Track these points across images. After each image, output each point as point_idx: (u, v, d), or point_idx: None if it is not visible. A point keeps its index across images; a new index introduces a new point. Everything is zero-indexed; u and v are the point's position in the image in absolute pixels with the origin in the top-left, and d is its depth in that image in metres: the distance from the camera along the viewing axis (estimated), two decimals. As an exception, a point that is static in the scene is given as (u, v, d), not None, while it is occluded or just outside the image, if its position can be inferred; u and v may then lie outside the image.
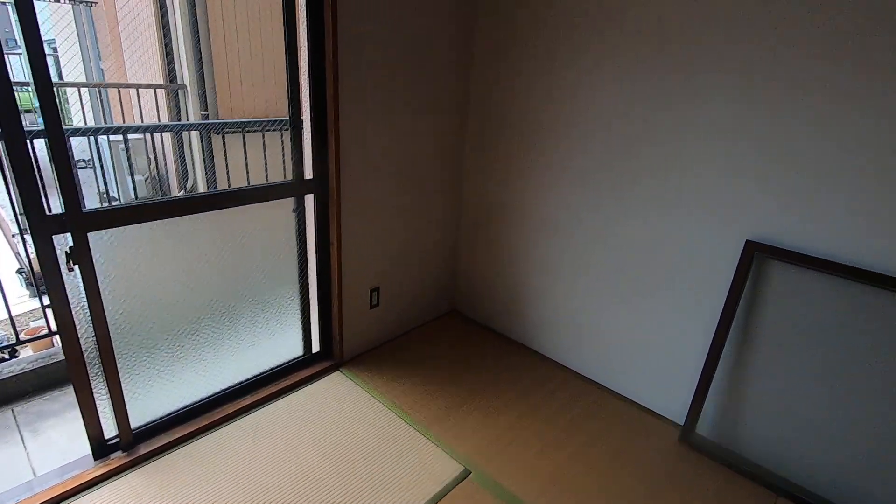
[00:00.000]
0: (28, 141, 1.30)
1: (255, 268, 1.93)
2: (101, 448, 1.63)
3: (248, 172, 3.17)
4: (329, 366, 2.18)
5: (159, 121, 4.03)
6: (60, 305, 1.41)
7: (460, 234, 2.60)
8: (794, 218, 1.55)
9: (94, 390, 1.55)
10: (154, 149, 3.79)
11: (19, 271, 3.92)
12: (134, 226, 1.51)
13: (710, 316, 1.78)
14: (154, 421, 1.74)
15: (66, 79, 6.13)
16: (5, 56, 1.16)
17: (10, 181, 2.05)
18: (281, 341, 2.10)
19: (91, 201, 3.88)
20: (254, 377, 2.00)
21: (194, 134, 3.85)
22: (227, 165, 3.33)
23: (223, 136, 3.31)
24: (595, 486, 1.67)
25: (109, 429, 1.64)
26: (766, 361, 1.69)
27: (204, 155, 3.77)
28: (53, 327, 1.53)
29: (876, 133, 1.37)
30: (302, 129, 1.83)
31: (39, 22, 1.20)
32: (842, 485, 1.60)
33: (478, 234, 2.51)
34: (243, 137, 3.16)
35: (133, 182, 3.67)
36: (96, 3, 5.18)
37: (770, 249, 1.59)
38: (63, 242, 1.38)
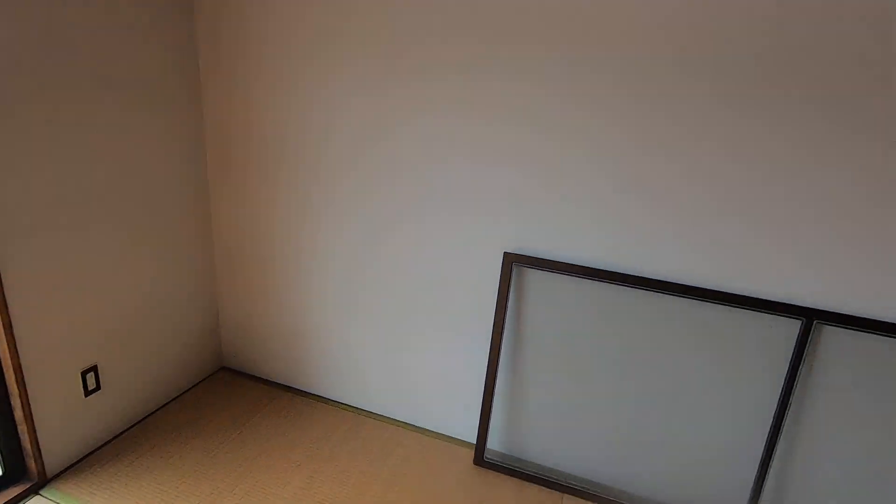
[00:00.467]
0: None
1: None
2: None
3: None
4: (23, 490, 1.54)
5: None
6: None
7: (217, 278, 2.17)
8: (543, 227, 1.61)
9: None
10: None
11: None
12: None
13: (485, 330, 1.77)
14: None
15: None
16: None
17: None
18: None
19: None
20: None
21: None
22: None
23: None
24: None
25: None
26: (536, 366, 1.73)
27: None
28: None
29: (608, 141, 1.49)
30: None
31: None
32: (614, 471, 1.73)
33: (237, 274, 2.12)
34: None
35: None
36: None
37: (525, 259, 1.63)
38: None
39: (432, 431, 1.97)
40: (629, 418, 1.66)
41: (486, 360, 1.77)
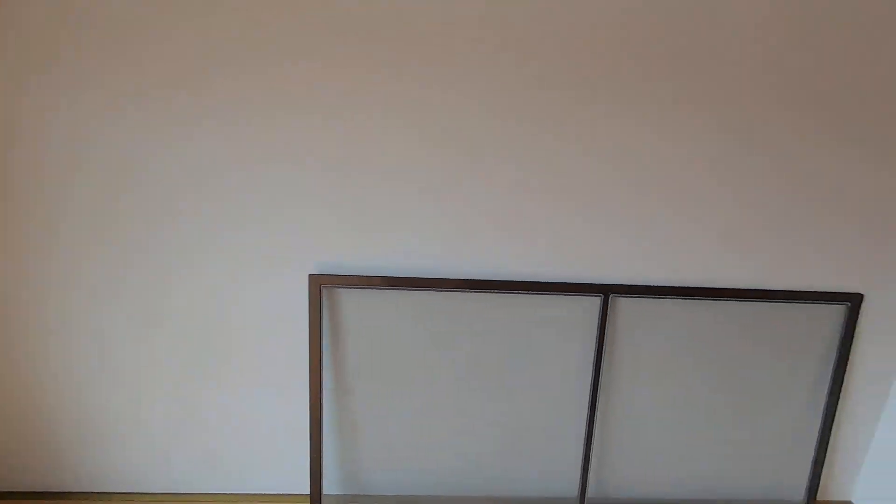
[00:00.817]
0: None
1: None
2: None
3: None
4: None
5: None
6: None
7: None
8: (351, 241, 1.44)
9: None
10: None
11: None
12: None
13: (302, 368, 1.53)
14: None
15: None
16: None
17: None
18: None
19: None
20: None
21: None
22: None
23: None
24: None
25: None
26: (364, 392, 1.56)
27: None
28: None
29: (407, 140, 1.37)
30: None
31: None
32: (458, 479, 1.67)
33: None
34: None
35: None
36: None
37: (335, 279, 1.43)
38: None
39: (257, 495, 1.66)
40: (464, 422, 1.61)
41: (307, 399, 1.53)
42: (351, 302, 1.48)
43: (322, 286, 1.44)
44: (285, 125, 1.33)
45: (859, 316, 1.55)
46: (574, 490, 1.68)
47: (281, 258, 1.44)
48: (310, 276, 1.43)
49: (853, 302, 1.53)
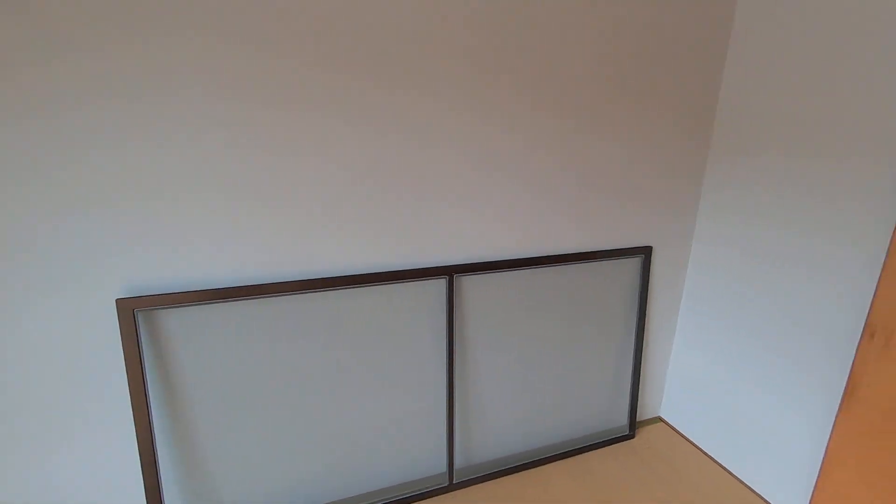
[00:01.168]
0: None
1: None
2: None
3: None
4: None
5: None
6: None
7: None
8: (168, 256, 1.25)
9: None
10: None
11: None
12: None
13: (126, 409, 1.31)
14: None
15: None
16: None
17: None
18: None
19: None
20: None
21: None
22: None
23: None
24: None
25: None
26: (208, 417, 1.40)
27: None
28: None
29: (216, 144, 1.20)
30: None
31: None
32: (327, 485, 1.61)
33: None
34: None
35: None
36: None
37: (152, 300, 1.24)
38: None
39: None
40: (327, 423, 1.55)
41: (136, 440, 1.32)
42: (178, 323, 1.30)
43: (136, 310, 1.23)
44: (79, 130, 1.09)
45: (651, 263, 1.87)
46: (443, 465, 1.74)
47: (86, 285, 1.19)
48: (117, 301, 1.21)
49: (646, 254, 1.83)
